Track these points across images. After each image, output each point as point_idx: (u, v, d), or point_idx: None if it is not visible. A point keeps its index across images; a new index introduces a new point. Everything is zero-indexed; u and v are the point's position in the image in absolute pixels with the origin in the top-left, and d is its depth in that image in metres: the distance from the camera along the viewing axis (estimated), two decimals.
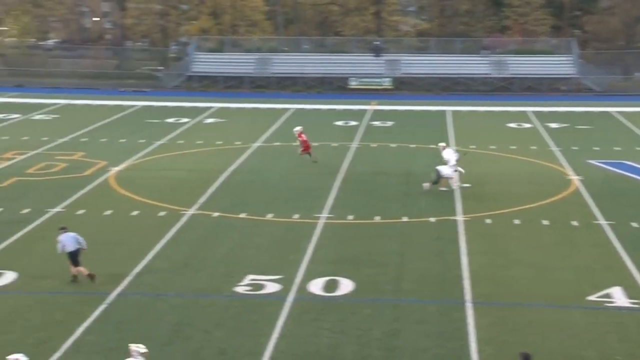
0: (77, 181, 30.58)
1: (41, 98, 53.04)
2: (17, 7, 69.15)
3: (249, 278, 20.85)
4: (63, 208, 26.96)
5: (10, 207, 26.81)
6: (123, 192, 29.34)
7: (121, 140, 38.78)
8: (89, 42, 74.29)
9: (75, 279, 20.33)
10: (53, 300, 19.30)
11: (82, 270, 20.30)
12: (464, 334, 17.67)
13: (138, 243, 23.53)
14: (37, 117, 46.00)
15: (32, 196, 28.37)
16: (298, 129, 35.14)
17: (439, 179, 29.35)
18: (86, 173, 31.96)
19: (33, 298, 19.36)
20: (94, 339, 17.12)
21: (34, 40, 71.44)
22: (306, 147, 34.28)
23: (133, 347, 13.71)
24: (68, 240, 20.28)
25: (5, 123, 43.21)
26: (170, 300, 19.40)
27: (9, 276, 20.61)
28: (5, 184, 30.01)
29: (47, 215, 26.05)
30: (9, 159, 33.96)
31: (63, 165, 33.32)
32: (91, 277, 20.26)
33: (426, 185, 29.52)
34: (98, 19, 77.75)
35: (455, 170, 29.62)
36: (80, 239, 20.43)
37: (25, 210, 26.41)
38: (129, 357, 13.67)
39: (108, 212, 26.63)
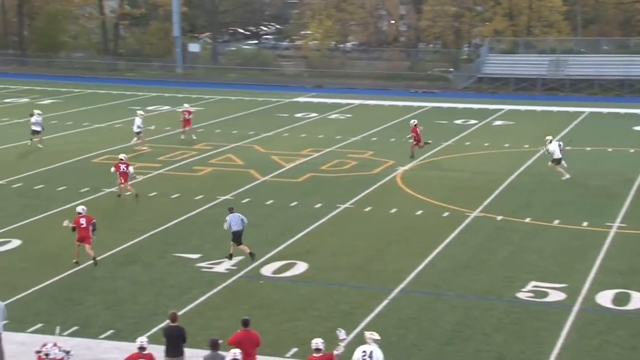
0: (365, 179, 31.70)
1: (337, 98, 55.60)
2: (322, 11, 72.94)
3: (531, 284, 20.35)
4: (352, 204, 28.09)
5: (304, 201, 28.43)
6: (408, 191, 29.94)
7: (410, 141, 39.53)
8: (385, 44, 76.51)
9: (231, 257, 21.90)
10: (340, 291, 20.17)
11: (244, 248, 21.80)
12: None
13: (421, 242, 23.90)
14: (333, 116, 48.29)
15: (324, 191, 29.85)
16: (414, 121, 36.14)
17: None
18: (374, 171, 33.01)
19: (322, 289, 20.36)
20: (377, 332, 17.61)
21: (334, 43, 75.05)
22: (418, 140, 35.20)
23: (368, 334, 14.05)
24: (235, 220, 21.77)
25: (304, 121, 45.87)
26: (451, 301, 19.49)
27: (301, 267, 21.85)
28: (300, 179, 31.88)
29: (337, 210, 27.28)
30: (305, 156, 36.01)
31: (354, 163, 34.69)
32: (252, 255, 21.79)
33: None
34: (394, 21, 79.79)
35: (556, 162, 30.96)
36: (245, 220, 21.93)
37: (318, 205, 27.86)
38: (364, 344, 13.97)
39: (393, 210, 27.31)
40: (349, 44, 79.74)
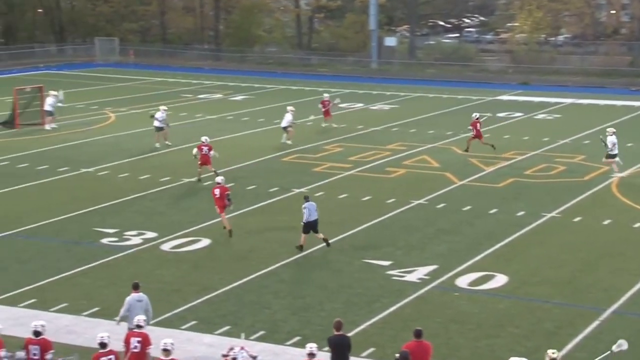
0: (575, 186, 30.71)
1: (545, 96, 54.22)
2: (532, 1, 71.28)
3: None
4: (558, 213, 27.29)
5: (505, 208, 27.93)
6: (626, 200, 28.69)
7: (628, 144, 37.88)
8: (602, 37, 73.69)
9: (301, 248, 23.18)
10: (544, 308, 19.68)
11: (321, 235, 23.34)
12: None
13: (639, 258, 22.82)
14: (540, 116, 47.14)
15: (528, 198, 29.19)
16: (476, 115, 37.11)
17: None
18: (586, 178, 31.91)
19: (524, 304, 19.94)
20: (585, 356, 17.07)
21: (544, 36, 73.15)
22: (477, 135, 36.14)
23: (550, 352, 13.59)
24: (313, 210, 23.17)
25: (507, 121, 45.06)
26: None
27: (500, 279, 21.49)
28: (501, 184, 31.34)
29: (542, 220, 26.61)
30: (508, 159, 35.36)
31: (562, 168, 33.70)
32: (326, 241, 23.37)
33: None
34: (615, 11, 76.59)
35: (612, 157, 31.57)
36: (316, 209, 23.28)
37: (520, 213, 27.29)
38: None
39: (607, 222, 26.28)
40: (560, 37, 77.46)
